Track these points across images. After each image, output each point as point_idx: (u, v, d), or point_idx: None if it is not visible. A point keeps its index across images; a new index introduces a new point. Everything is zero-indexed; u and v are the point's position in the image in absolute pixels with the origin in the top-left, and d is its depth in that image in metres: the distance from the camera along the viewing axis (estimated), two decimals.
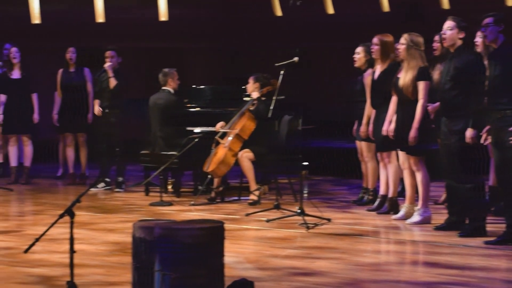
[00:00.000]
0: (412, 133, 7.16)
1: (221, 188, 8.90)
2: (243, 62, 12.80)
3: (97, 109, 9.88)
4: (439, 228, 7.03)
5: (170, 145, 9.11)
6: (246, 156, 8.67)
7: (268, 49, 12.10)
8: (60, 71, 10.45)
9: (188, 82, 10.38)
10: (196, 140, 8.75)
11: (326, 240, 6.68)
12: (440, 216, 7.36)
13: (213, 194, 8.88)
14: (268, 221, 7.50)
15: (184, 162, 8.96)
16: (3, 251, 6.25)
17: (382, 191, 8.10)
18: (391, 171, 7.84)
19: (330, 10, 11.97)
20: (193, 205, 8.59)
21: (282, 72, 8.19)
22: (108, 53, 9.80)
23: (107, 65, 9.73)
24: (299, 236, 6.93)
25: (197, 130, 9.19)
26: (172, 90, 9.39)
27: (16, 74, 10.33)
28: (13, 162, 10.49)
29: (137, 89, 11.19)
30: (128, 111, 9.94)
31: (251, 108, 8.86)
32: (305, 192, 8.76)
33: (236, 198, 9.03)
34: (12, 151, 10.49)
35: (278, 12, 12.05)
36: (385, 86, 7.63)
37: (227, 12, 12.66)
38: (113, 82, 9.70)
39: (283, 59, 8.14)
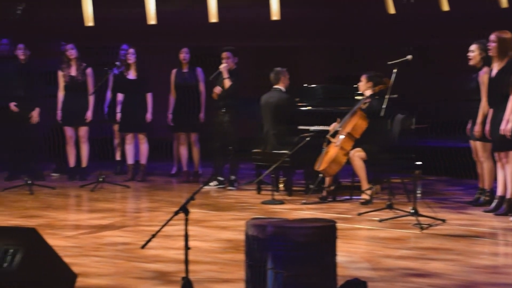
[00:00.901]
0: None
1: (332, 187, 8.87)
2: (355, 60, 12.70)
3: (217, 89, 9.90)
4: None
5: (282, 144, 9.15)
6: (357, 155, 8.61)
7: (380, 47, 11.97)
8: (174, 71, 10.65)
9: (299, 81, 10.38)
10: (308, 138, 8.75)
11: (441, 241, 6.55)
12: None
13: (324, 193, 8.85)
14: (380, 220, 7.42)
15: (295, 161, 8.97)
16: (121, 246, 6.43)
17: (499, 192, 7.87)
18: (509, 171, 7.61)
19: (445, 7, 11.70)
20: (305, 204, 8.59)
21: (395, 70, 8.09)
22: (224, 54, 9.91)
23: (222, 66, 9.85)
24: (413, 236, 6.82)
25: (312, 129, 9.21)
26: (283, 89, 9.44)
27: (132, 74, 10.61)
28: (130, 160, 10.77)
29: (249, 88, 11.28)
30: (241, 110, 10.04)
31: (363, 107, 8.78)
32: (419, 192, 8.62)
33: (347, 197, 8.97)
34: (129, 149, 10.76)
35: (391, 10, 11.88)
36: (502, 84, 7.41)
37: (339, 10, 12.58)
38: (227, 83, 9.81)
39: (396, 57, 8.02)
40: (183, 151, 10.67)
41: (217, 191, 9.74)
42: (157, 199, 9.15)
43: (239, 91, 9.86)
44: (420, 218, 7.11)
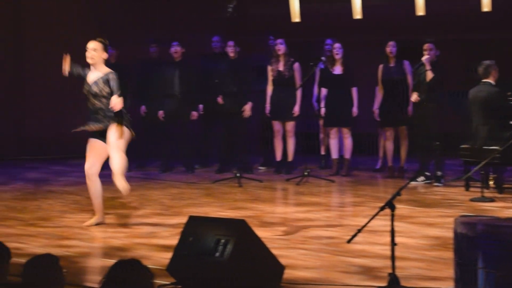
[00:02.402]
0: None
1: None
2: None
3: (414, 97, 9.81)
4: None
5: (493, 139, 8.82)
6: None
7: None
8: (381, 66, 10.53)
9: (511, 75, 9.96)
10: None
11: None
12: None
13: None
14: None
15: (507, 157, 8.61)
16: (327, 240, 6.48)
17: None
18: None
19: None
20: None
21: None
22: (426, 46, 9.72)
23: (424, 58, 9.67)
24: None
25: None
26: (493, 83, 9.10)
27: (337, 69, 10.63)
28: (334, 154, 10.80)
29: (455, 81, 10.97)
30: (445, 104, 9.80)
31: None
32: None
33: None
34: (333, 143, 10.80)
35: None
36: None
37: None
38: (430, 75, 9.62)
39: None
40: (390, 146, 10.54)
41: (424, 187, 9.56)
42: (361, 193, 9.13)
43: (441, 84, 9.63)
44: None
